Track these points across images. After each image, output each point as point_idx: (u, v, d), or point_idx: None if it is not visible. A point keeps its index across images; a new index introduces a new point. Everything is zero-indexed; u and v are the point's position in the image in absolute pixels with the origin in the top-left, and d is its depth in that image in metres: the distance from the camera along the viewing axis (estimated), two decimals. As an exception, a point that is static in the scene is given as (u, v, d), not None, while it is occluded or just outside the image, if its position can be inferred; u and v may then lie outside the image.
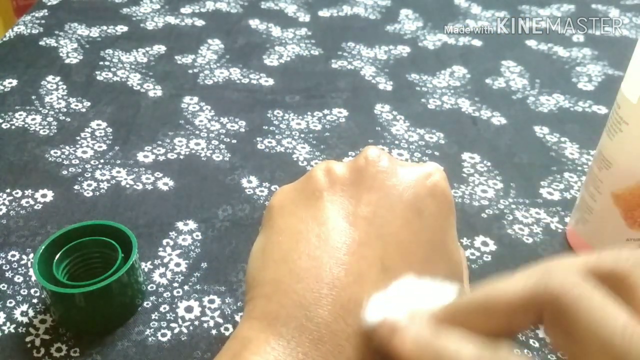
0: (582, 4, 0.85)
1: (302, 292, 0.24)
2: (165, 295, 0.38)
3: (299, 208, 0.28)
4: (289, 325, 0.23)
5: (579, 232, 0.42)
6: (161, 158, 0.51)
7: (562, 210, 0.46)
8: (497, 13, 0.82)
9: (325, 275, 0.25)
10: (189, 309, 0.37)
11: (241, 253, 0.41)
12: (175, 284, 0.39)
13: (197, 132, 0.54)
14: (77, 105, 0.57)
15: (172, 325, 0.36)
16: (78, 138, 0.52)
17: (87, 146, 0.51)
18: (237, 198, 0.47)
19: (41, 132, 0.53)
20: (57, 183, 0.47)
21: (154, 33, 0.72)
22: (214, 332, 0.36)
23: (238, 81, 0.63)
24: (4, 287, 0.38)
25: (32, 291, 0.38)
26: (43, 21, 0.73)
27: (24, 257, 0.40)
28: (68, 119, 0.55)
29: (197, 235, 0.43)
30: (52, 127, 0.54)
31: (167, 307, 0.37)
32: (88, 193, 0.46)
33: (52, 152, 0.51)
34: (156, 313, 0.37)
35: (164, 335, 0.35)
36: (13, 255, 0.40)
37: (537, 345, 0.36)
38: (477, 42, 0.74)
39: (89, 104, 0.57)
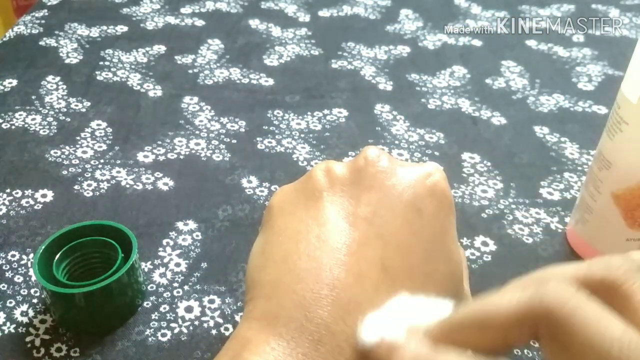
0: (582, 4, 0.85)
1: (302, 292, 0.24)
2: (165, 295, 0.38)
3: (299, 208, 0.28)
4: (289, 326, 0.23)
5: (579, 232, 0.42)
6: (161, 158, 0.51)
7: (562, 210, 0.46)
8: (497, 13, 0.82)
9: (325, 276, 0.25)
10: (189, 309, 0.37)
11: (241, 253, 0.41)
12: (175, 284, 0.39)
13: (197, 132, 0.54)
14: (77, 105, 0.57)
15: (172, 325, 0.36)
16: (78, 138, 0.52)
17: (87, 146, 0.51)
18: (237, 198, 0.47)
19: (41, 132, 0.53)
20: (57, 183, 0.47)
21: (154, 33, 0.72)
22: (214, 332, 0.36)
23: (238, 81, 0.63)
24: (4, 287, 0.38)
25: (32, 291, 0.38)
26: (43, 21, 0.73)
27: (24, 257, 0.40)
28: (68, 119, 0.55)
29: (197, 235, 0.43)
30: (52, 127, 0.54)
31: (167, 307, 0.37)
32: (88, 193, 0.46)
33: (52, 152, 0.51)
34: (156, 313, 0.37)
35: (164, 335, 0.35)
36: (13, 255, 0.40)
37: (537, 344, 0.36)
38: (477, 42, 0.74)
39: (89, 104, 0.58)
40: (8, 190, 0.46)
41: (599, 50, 0.72)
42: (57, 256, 0.36)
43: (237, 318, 0.37)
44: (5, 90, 0.59)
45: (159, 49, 0.68)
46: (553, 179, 0.50)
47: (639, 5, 0.85)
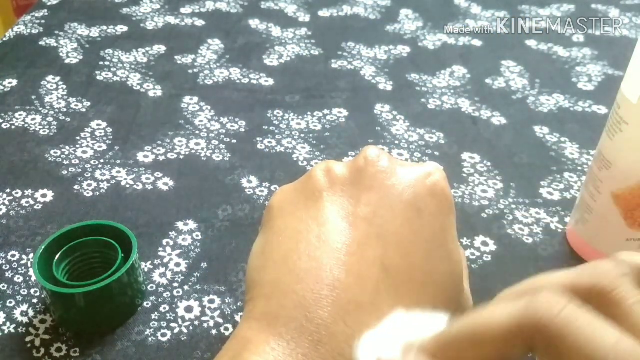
0: (582, 4, 0.85)
1: (302, 292, 0.24)
2: (165, 295, 0.38)
3: (299, 208, 0.28)
4: (289, 326, 0.23)
5: (579, 232, 0.42)
6: (161, 158, 0.51)
7: (562, 210, 0.46)
8: (497, 13, 0.82)
9: (325, 277, 0.25)
10: (189, 309, 0.37)
11: (241, 253, 0.41)
12: (175, 284, 0.39)
13: (197, 132, 0.54)
14: (77, 105, 0.57)
15: (172, 325, 0.36)
16: (78, 138, 0.52)
17: (87, 146, 0.51)
18: (237, 198, 0.47)
19: (41, 132, 0.53)
20: (57, 183, 0.47)
21: (154, 33, 0.72)
22: (214, 332, 0.36)
23: (238, 81, 0.63)
24: (4, 287, 0.38)
25: (32, 291, 0.38)
26: (43, 21, 0.73)
27: (24, 257, 0.40)
28: (68, 119, 0.55)
29: (197, 235, 0.43)
30: (52, 127, 0.54)
31: (167, 307, 0.37)
32: (88, 193, 0.46)
33: (52, 152, 0.51)
34: (156, 313, 0.37)
35: (164, 335, 0.35)
36: (13, 255, 0.40)
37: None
38: (477, 42, 0.74)
39: (89, 104, 0.58)
40: (8, 190, 0.46)
41: (599, 50, 0.72)
42: (57, 256, 0.36)
43: (237, 318, 0.37)
44: (5, 90, 0.59)
45: (159, 49, 0.68)
46: (553, 179, 0.50)
47: (639, 5, 0.85)
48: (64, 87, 0.60)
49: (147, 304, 0.37)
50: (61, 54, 0.66)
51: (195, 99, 0.59)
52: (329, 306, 0.24)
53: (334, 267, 0.25)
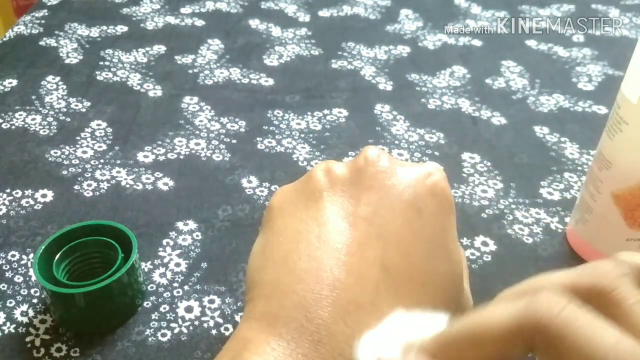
0: (582, 4, 0.85)
1: (302, 292, 0.24)
2: (165, 295, 0.38)
3: (299, 208, 0.28)
4: (289, 326, 0.23)
5: (579, 232, 0.42)
6: (161, 158, 0.51)
7: (562, 210, 0.46)
8: (497, 13, 0.82)
9: (325, 277, 0.25)
10: (189, 309, 0.37)
11: (241, 253, 0.41)
12: (175, 284, 0.39)
13: (197, 132, 0.54)
14: (77, 105, 0.57)
15: (172, 325, 0.36)
16: (78, 138, 0.52)
17: (87, 146, 0.51)
18: (237, 198, 0.47)
19: (41, 132, 0.53)
20: (57, 183, 0.47)
21: (154, 33, 0.72)
22: (214, 332, 0.36)
23: (238, 81, 0.63)
24: (4, 287, 0.38)
25: (32, 291, 0.38)
26: (43, 21, 0.73)
27: (24, 257, 0.40)
28: (68, 119, 0.55)
29: (197, 235, 0.43)
30: (52, 127, 0.54)
31: (167, 307, 0.37)
32: (88, 193, 0.46)
33: (52, 152, 0.51)
34: (156, 313, 0.37)
35: (164, 335, 0.35)
36: (13, 255, 0.40)
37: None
38: (477, 42, 0.74)
39: (89, 104, 0.58)
40: (8, 190, 0.46)
41: (599, 50, 0.72)
42: (57, 256, 0.36)
43: (237, 318, 0.37)
44: (5, 90, 0.59)
45: (159, 49, 0.68)
46: (553, 179, 0.50)
47: (639, 5, 0.85)
48: (64, 87, 0.60)
49: (147, 304, 0.37)
50: (61, 54, 0.66)
51: (195, 99, 0.59)
52: (329, 306, 0.24)
53: (334, 267, 0.25)
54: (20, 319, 0.36)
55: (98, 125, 0.54)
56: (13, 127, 0.54)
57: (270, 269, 0.26)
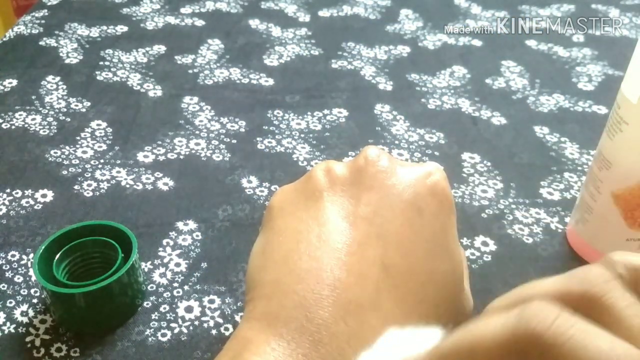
0: (582, 4, 0.85)
1: (302, 292, 0.24)
2: (165, 295, 0.38)
3: (299, 208, 0.28)
4: (289, 326, 0.23)
5: (579, 232, 0.42)
6: (161, 158, 0.51)
7: (562, 210, 0.46)
8: (497, 13, 0.82)
9: (326, 276, 0.25)
10: (189, 309, 0.37)
11: (241, 253, 0.41)
12: (175, 284, 0.39)
13: (197, 132, 0.54)
14: (77, 105, 0.57)
15: (172, 325, 0.36)
16: (78, 138, 0.52)
17: (87, 146, 0.51)
18: (237, 198, 0.47)
19: (41, 132, 0.53)
20: (57, 183, 0.47)
21: (154, 33, 0.72)
22: (214, 332, 0.36)
23: (238, 81, 0.63)
24: (4, 287, 0.38)
25: (32, 291, 0.38)
26: (43, 21, 0.73)
27: (24, 257, 0.40)
28: (68, 119, 0.55)
29: (197, 235, 0.43)
30: (52, 127, 0.54)
31: (167, 307, 0.37)
32: (88, 193, 0.46)
33: (52, 152, 0.51)
34: (156, 313, 0.37)
35: (164, 335, 0.35)
36: (13, 255, 0.40)
37: None
38: (477, 42, 0.74)
39: (89, 104, 0.57)
40: (8, 190, 0.46)
41: (599, 50, 0.72)
42: (57, 256, 0.36)
43: (237, 318, 0.37)
44: (5, 90, 0.59)
45: (159, 49, 0.68)
46: (553, 179, 0.50)
47: (639, 5, 0.85)
48: (64, 87, 0.60)
49: (147, 304, 0.37)
50: (61, 54, 0.66)
51: (195, 99, 0.59)
52: (330, 306, 0.24)
53: (335, 267, 0.25)
54: (20, 319, 0.36)
55: (98, 125, 0.54)
56: (13, 127, 0.54)
57: (270, 269, 0.26)
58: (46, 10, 0.75)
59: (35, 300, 0.37)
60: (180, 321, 0.36)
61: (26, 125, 0.54)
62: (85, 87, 0.60)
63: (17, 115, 0.55)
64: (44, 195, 0.46)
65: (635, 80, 0.35)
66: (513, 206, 0.47)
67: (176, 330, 0.36)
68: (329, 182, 0.29)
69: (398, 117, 0.58)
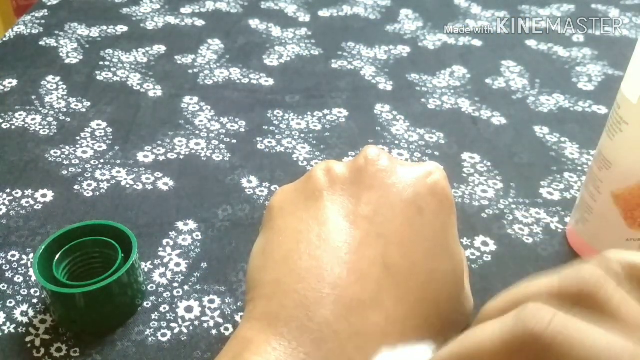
0: (582, 4, 0.85)
1: (303, 292, 0.24)
2: (165, 295, 0.38)
3: (299, 208, 0.28)
4: (290, 326, 0.23)
5: (579, 232, 0.42)
6: (161, 158, 0.51)
7: (562, 210, 0.46)
8: (497, 13, 0.82)
9: (326, 275, 0.25)
10: (189, 309, 0.37)
11: (241, 253, 0.41)
12: (175, 284, 0.39)
13: (197, 132, 0.54)
14: (77, 105, 0.57)
15: (172, 325, 0.36)
16: (78, 138, 0.52)
17: (87, 146, 0.51)
18: (237, 198, 0.47)
19: (41, 132, 0.53)
20: (57, 183, 0.47)
21: (154, 33, 0.72)
22: (214, 332, 0.36)
23: (238, 81, 0.63)
24: (4, 287, 0.38)
25: (32, 291, 0.38)
26: (43, 21, 0.73)
27: (24, 257, 0.40)
28: (68, 119, 0.55)
29: (197, 235, 0.43)
30: (52, 127, 0.54)
31: (167, 307, 0.37)
32: (88, 193, 0.46)
33: (52, 152, 0.51)
34: (156, 313, 0.37)
35: (164, 335, 0.35)
36: (13, 255, 0.40)
37: None
38: (477, 42, 0.74)
39: (89, 104, 0.57)
40: (8, 190, 0.46)
41: (599, 50, 0.72)
42: (57, 256, 0.36)
43: (237, 318, 0.37)
44: (5, 90, 0.59)
45: (159, 49, 0.68)
46: (553, 179, 0.50)
47: (639, 5, 0.85)
48: (64, 87, 0.60)
49: (147, 304, 0.37)
50: (61, 54, 0.66)
51: (195, 99, 0.59)
52: (331, 304, 0.24)
53: (335, 266, 0.25)
54: (20, 319, 0.36)
55: (98, 125, 0.54)
56: (13, 127, 0.54)
57: (270, 268, 0.26)
58: (46, 10, 0.75)
59: (35, 300, 0.37)
60: (180, 321, 0.36)
61: (26, 125, 0.54)
62: (85, 87, 0.60)
63: (17, 115, 0.55)
64: (44, 195, 0.46)
65: (635, 80, 0.35)
66: (513, 206, 0.47)
67: (176, 330, 0.36)
68: (329, 182, 0.29)
69: (398, 117, 0.58)
